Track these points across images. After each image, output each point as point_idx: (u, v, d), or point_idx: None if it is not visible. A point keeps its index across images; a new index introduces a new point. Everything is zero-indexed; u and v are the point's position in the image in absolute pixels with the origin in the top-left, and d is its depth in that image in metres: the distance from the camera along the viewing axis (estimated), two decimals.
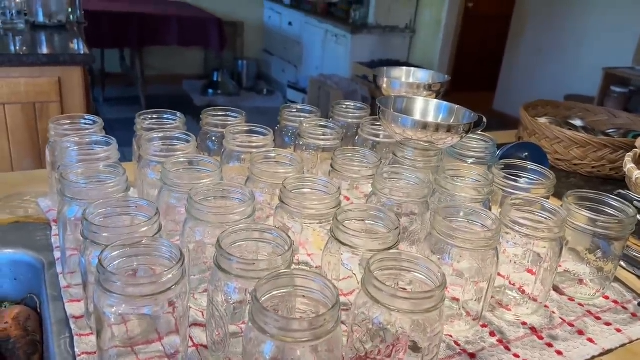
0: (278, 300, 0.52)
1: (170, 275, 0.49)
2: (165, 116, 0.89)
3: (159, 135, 0.80)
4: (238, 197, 0.65)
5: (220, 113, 0.93)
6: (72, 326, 0.61)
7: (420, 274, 0.56)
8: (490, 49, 5.29)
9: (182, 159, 0.73)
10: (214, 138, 0.91)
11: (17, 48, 1.98)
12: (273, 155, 0.79)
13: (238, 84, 5.25)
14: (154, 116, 0.89)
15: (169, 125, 0.87)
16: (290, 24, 5.26)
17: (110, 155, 0.74)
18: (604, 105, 3.62)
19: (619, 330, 0.70)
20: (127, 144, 0.90)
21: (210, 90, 5.00)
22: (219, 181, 0.69)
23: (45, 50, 2.05)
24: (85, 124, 0.84)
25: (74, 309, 0.64)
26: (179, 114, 0.90)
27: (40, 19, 2.27)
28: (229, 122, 0.91)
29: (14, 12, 2.18)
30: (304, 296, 0.51)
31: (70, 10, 2.33)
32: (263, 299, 0.49)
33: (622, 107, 3.60)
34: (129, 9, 4.04)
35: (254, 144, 0.82)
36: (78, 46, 2.08)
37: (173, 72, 5.23)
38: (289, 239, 0.56)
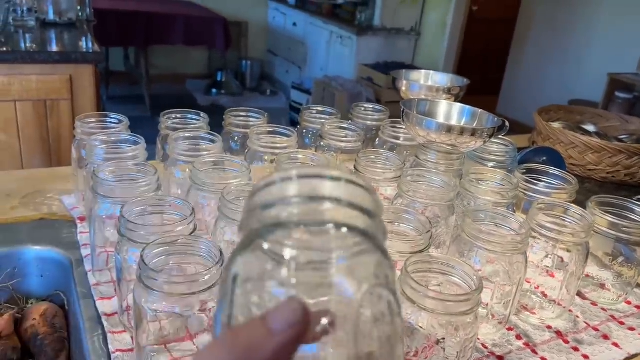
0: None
1: (210, 275, 0.50)
2: (189, 116, 0.90)
3: (185, 134, 0.81)
4: None
5: (242, 113, 0.94)
6: (105, 324, 0.62)
7: (455, 277, 0.56)
8: (495, 52, 5.30)
9: (210, 159, 0.73)
10: (236, 138, 0.91)
11: (29, 45, 1.99)
12: (300, 156, 0.79)
13: (242, 84, 5.25)
14: (178, 116, 0.89)
15: (193, 125, 0.87)
16: (294, 24, 5.27)
17: (138, 155, 0.75)
18: (610, 111, 3.63)
19: None
20: None
21: (214, 90, 5.00)
22: (248, 181, 0.69)
23: (56, 48, 2.05)
24: (111, 122, 0.84)
25: (105, 306, 0.64)
26: (202, 114, 0.90)
27: (51, 16, 2.27)
28: (251, 123, 0.91)
29: (24, 9, 2.19)
30: None
31: (80, 8, 2.34)
32: None
33: (627, 113, 3.60)
34: (135, 7, 4.04)
35: (278, 145, 0.83)
36: (88, 44, 2.08)
37: (177, 72, 5.23)
38: None
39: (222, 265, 0.51)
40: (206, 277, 0.49)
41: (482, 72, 5.50)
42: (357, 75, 4.49)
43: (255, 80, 5.36)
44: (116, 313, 0.63)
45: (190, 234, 0.57)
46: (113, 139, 0.78)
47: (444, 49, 4.60)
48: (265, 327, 0.24)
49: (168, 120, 0.88)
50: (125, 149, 0.75)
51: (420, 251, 0.61)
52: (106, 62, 4.53)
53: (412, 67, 4.58)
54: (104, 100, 4.40)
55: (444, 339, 0.55)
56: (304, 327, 0.24)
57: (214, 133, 0.82)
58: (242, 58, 5.39)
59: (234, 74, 5.21)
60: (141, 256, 0.50)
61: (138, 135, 0.77)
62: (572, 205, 0.72)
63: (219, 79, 5.03)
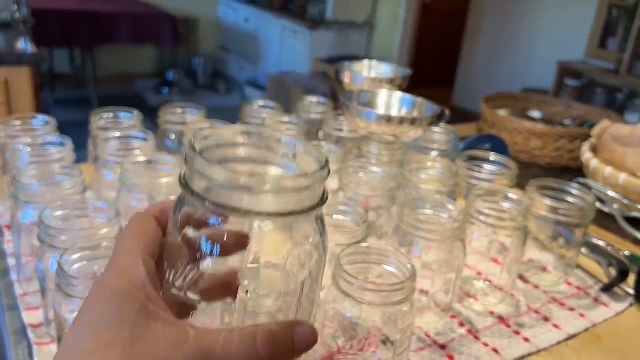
0: None
1: None
2: (121, 115, 0.86)
3: (116, 134, 0.77)
4: None
5: (178, 110, 0.91)
6: (31, 335, 0.58)
7: (391, 267, 0.55)
8: (448, 44, 5.37)
9: (140, 159, 0.70)
10: (172, 136, 0.88)
11: None
12: None
13: (194, 82, 5.16)
14: (110, 115, 0.85)
15: (125, 125, 0.84)
16: (246, 20, 5.21)
17: (64, 157, 0.71)
18: (559, 98, 3.74)
19: (582, 315, 0.72)
20: (80, 146, 0.87)
21: (165, 90, 4.90)
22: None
23: None
24: (38, 124, 0.80)
25: (31, 317, 0.61)
26: (135, 112, 0.87)
27: None
28: (188, 119, 0.88)
29: None
30: None
31: (15, 7, 2.24)
32: None
33: (576, 99, 3.72)
34: (78, 6, 3.91)
35: None
36: (25, 45, 1.99)
37: (125, 72, 5.10)
38: None
39: None
40: None
41: (437, 63, 5.57)
42: (312, 69, 4.47)
43: (208, 77, 5.28)
44: (43, 324, 0.60)
45: (115, 237, 0.54)
46: (39, 141, 0.74)
47: (397, 41, 4.63)
48: (293, 344, 0.29)
49: (99, 120, 0.84)
50: (50, 151, 0.71)
51: (358, 242, 0.61)
52: (50, 64, 4.38)
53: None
54: (50, 104, 4.26)
55: (382, 329, 0.54)
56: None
57: (146, 131, 0.79)
58: (194, 55, 5.29)
59: (185, 72, 5.11)
60: (59, 263, 0.48)
61: (65, 136, 0.73)
62: (509, 190, 0.73)
63: (169, 77, 4.93)
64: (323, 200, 0.31)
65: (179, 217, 0.30)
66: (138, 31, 4.07)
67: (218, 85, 5.28)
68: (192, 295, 0.31)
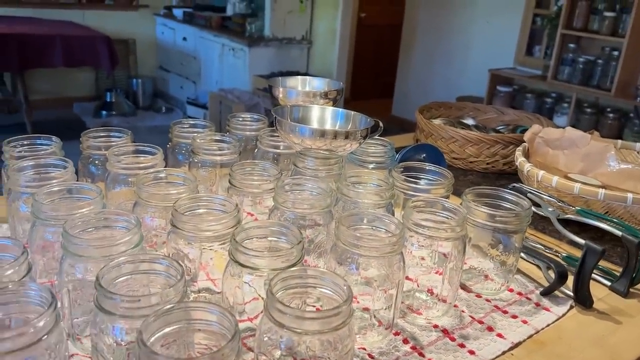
0: (174, 337, 0.47)
1: (40, 324, 0.43)
2: (38, 142, 0.80)
3: (31, 163, 0.72)
4: (123, 225, 0.59)
5: (102, 134, 0.86)
6: None
7: (327, 289, 0.53)
8: (385, 57, 5.47)
9: (56, 188, 0.65)
10: (97, 162, 0.83)
11: None
12: (163, 175, 0.73)
13: (134, 103, 5.03)
14: (25, 142, 0.80)
15: (43, 152, 0.78)
16: (184, 39, 5.13)
17: None
18: (492, 104, 3.86)
19: (525, 322, 0.71)
20: None
21: (104, 112, 4.75)
22: (100, 209, 0.62)
23: None
24: None
25: None
26: (54, 138, 0.82)
27: None
28: (113, 143, 0.84)
29: None
30: (199, 330, 0.46)
31: None
32: (153, 338, 0.44)
33: (508, 105, 3.85)
34: (6, 30, 3.74)
35: (142, 165, 0.76)
36: None
37: (62, 95, 4.92)
38: (181, 267, 0.50)
39: (54, 310, 0.44)
40: (33, 329, 0.42)
41: (375, 76, 5.66)
42: (253, 86, 4.44)
43: (148, 98, 5.16)
44: None
45: (21, 278, 0.49)
46: None
47: (335, 55, 4.67)
48: None
49: (14, 148, 0.78)
50: None
51: (294, 264, 0.58)
52: None
53: (307, 75, 4.61)
54: None
55: (320, 356, 0.51)
56: None
57: (65, 159, 0.73)
58: (132, 76, 5.17)
59: (124, 94, 4.98)
60: None
61: None
62: (446, 200, 0.72)
63: (108, 99, 4.79)
64: None
65: None
66: (73, 54, 3.92)
67: (159, 105, 5.17)
68: None
